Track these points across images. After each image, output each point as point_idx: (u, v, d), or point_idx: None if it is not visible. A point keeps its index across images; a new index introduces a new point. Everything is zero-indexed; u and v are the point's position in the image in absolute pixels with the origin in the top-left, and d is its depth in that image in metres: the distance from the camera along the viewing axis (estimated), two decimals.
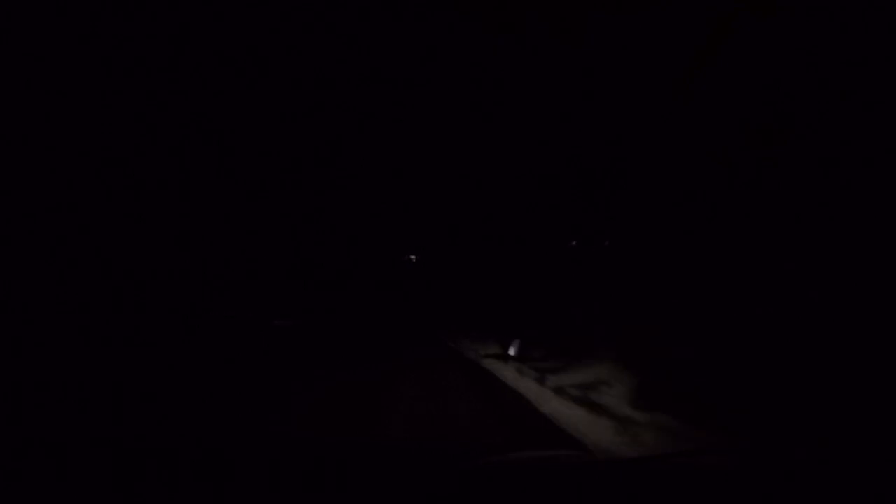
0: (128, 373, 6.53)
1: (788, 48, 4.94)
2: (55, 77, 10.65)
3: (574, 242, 9.26)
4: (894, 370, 3.36)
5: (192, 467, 1.06)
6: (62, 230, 12.95)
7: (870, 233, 4.04)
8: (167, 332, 12.43)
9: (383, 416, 4.42)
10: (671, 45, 6.40)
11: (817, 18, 4.66)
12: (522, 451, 1.25)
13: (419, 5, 8.98)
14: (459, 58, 9.58)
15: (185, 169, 15.63)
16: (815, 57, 4.68)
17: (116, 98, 11.76)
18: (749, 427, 3.49)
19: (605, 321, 6.98)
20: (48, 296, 12.06)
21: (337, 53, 10.70)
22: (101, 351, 8.38)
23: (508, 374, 6.97)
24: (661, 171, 6.79)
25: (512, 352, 8.04)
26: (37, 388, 5.27)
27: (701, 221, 5.86)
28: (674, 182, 6.52)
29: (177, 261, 18.01)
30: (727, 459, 1.12)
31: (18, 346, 7.88)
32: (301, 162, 16.06)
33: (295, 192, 18.27)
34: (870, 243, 4.01)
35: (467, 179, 12.20)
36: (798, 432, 3.36)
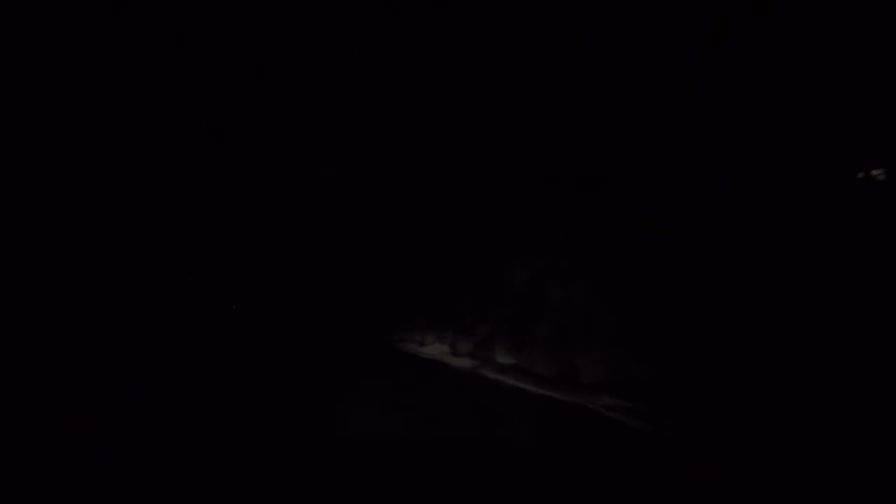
0: (127, 371, 6.52)
1: (788, 48, 4.95)
2: (55, 77, 10.64)
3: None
4: (893, 370, 3.36)
5: (192, 466, 1.06)
6: (62, 230, 12.94)
7: (869, 234, 4.04)
8: (167, 332, 12.42)
9: None
10: (671, 45, 6.40)
11: (817, 18, 4.66)
12: (511, 450, 1.25)
13: (419, 5, 8.98)
14: (459, 58, 9.58)
15: (185, 169, 15.62)
16: (815, 57, 4.68)
17: (116, 98, 11.75)
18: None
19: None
20: (48, 296, 12.04)
21: (337, 53, 10.69)
22: (101, 350, 8.37)
23: None
24: (660, 171, 6.78)
25: None
26: (36, 387, 5.26)
27: (700, 221, 5.86)
28: (674, 182, 6.52)
29: (176, 261, 18.00)
30: (719, 464, 1.12)
31: (18, 345, 7.87)
32: (301, 162, 16.05)
33: (295, 192, 18.25)
34: (869, 244, 4.01)
35: (467, 179, 12.19)
36: (793, 432, 3.37)
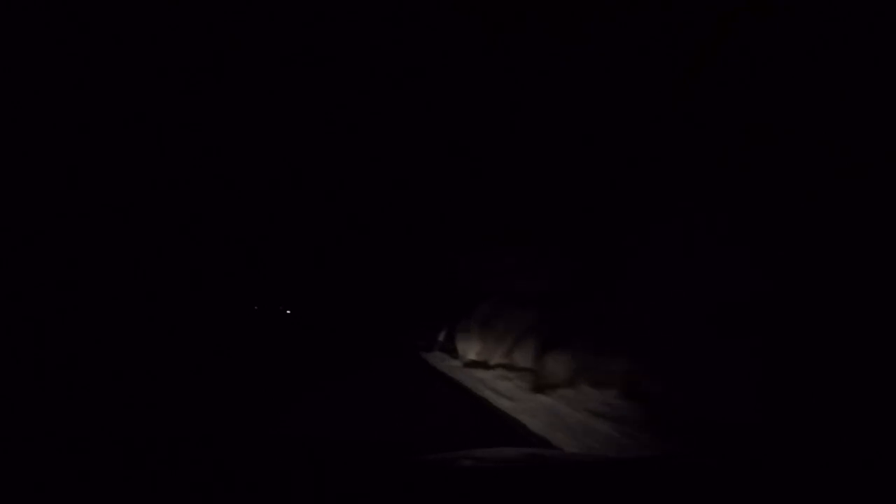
0: (129, 372, 6.52)
1: (788, 48, 4.94)
2: (55, 77, 10.64)
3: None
4: (893, 370, 3.36)
5: (192, 468, 1.06)
6: (62, 230, 12.94)
7: (869, 233, 4.04)
8: (169, 331, 12.41)
9: None
10: (671, 45, 6.40)
11: (817, 18, 4.66)
12: (504, 448, 1.26)
13: (419, 5, 8.98)
14: (459, 58, 9.57)
15: (185, 169, 15.63)
16: (815, 57, 4.68)
17: (116, 98, 11.75)
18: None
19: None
20: (48, 295, 12.05)
21: (337, 53, 10.69)
22: (103, 350, 8.37)
23: None
24: (660, 171, 6.78)
25: None
26: (38, 387, 5.26)
27: (700, 221, 5.86)
28: (673, 182, 6.51)
29: (176, 260, 17.96)
30: (722, 461, 1.12)
31: (19, 344, 7.87)
32: (301, 162, 16.06)
33: (295, 192, 18.27)
34: (869, 244, 4.01)
35: (467, 179, 12.19)
36: (798, 432, 3.36)
